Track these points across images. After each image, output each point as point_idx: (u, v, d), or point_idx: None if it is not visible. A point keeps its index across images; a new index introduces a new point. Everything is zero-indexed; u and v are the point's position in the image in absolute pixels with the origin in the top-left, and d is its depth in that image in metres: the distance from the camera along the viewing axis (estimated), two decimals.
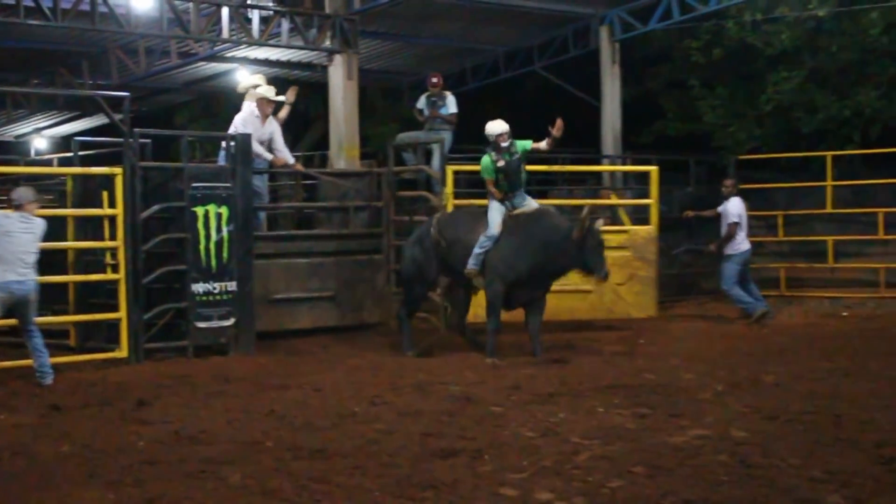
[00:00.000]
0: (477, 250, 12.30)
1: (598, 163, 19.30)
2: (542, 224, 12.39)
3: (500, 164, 12.40)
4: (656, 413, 8.58)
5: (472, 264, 12.33)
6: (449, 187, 14.61)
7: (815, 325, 15.03)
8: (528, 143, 12.63)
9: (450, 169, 14.85)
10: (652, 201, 16.04)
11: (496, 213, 12.40)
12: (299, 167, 14.94)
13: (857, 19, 18.07)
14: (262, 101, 14.26)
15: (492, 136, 12.52)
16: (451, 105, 16.90)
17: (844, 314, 16.33)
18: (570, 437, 7.70)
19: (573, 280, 13.90)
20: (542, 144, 12.66)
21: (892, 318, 15.54)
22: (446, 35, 20.79)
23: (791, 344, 12.97)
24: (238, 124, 14.09)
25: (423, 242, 12.99)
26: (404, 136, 17.06)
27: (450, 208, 14.24)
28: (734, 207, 15.73)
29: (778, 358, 11.66)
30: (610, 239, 14.33)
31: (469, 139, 17.66)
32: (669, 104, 21.88)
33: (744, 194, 16.27)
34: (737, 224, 15.62)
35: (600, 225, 12.28)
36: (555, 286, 12.93)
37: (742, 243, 15.73)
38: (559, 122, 12.57)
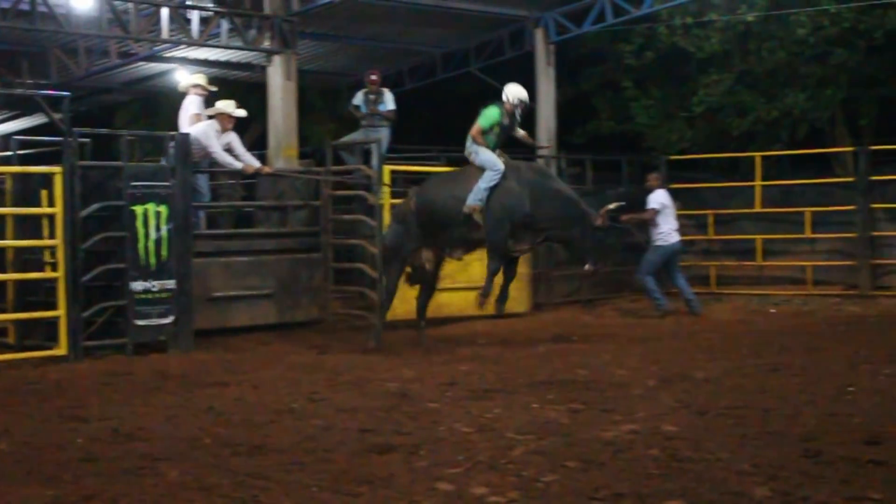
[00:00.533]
0: (482, 184, 12.36)
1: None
2: (553, 184, 12.74)
3: (506, 121, 12.54)
4: (589, 408, 8.60)
5: (474, 199, 12.36)
6: (386, 186, 14.62)
7: (745, 322, 15.17)
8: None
9: (387, 168, 14.84)
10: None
11: (489, 154, 12.48)
12: (268, 170, 14.75)
13: (786, 22, 18.25)
14: (223, 117, 14.02)
15: (510, 95, 12.66)
16: (389, 102, 16.89)
17: (773, 311, 16.51)
18: (505, 432, 7.70)
19: (472, 276, 14.17)
20: (521, 133, 13.12)
21: (819, 315, 15.75)
22: (384, 37, 20.77)
23: (721, 340, 13.08)
24: (200, 137, 13.76)
25: (400, 218, 13.06)
26: (346, 139, 17.03)
27: (387, 208, 14.25)
28: (657, 197, 15.88)
29: (708, 354, 11.73)
30: None
31: (406, 140, 17.67)
32: (603, 105, 22.03)
33: (675, 194, 16.42)
34: (657, 210, 15.76)
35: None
36: (461, 282, 13.05)
37: (670, 236, 15.86)
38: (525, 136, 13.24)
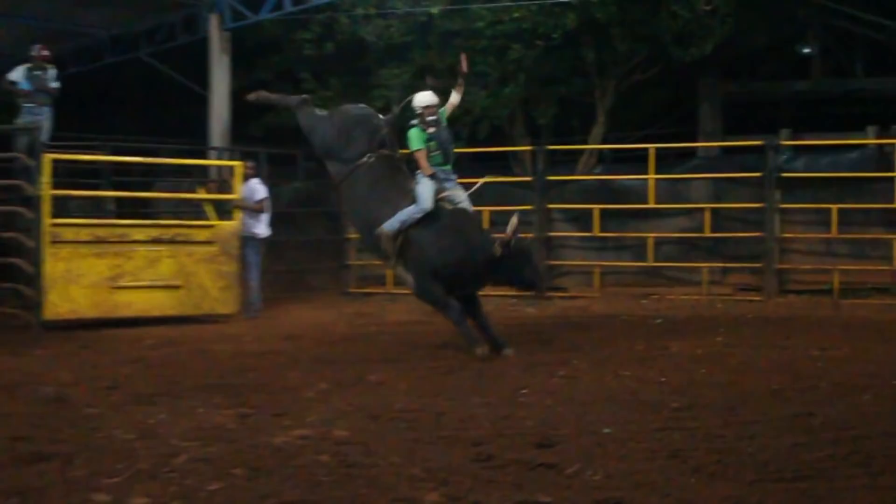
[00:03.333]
0: (401, 216, 11.79)
1: (205, 155, 19.12)
2: (469, 226, 12.04)
3: (432, 130, 11.95)
4: (259, 413, 8.58)
5: (388, 226, 11.81)
6: (46, 176, 14.14)
7: (422, 323, 15.42)
8: (444, 110, 12.29)
9: (48, 157, 14.36)
10: (235, 196, 16.16)
11: (427, 188, 11.88)
12: None
13: (467, 15, 18.65)
14: None
15: (419, 107, 12.04)
16: (52, 79, 16.37)
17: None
18: (169, 438, 7.59)
19: (162, 274, 13.98)
20: (454, 98, 12.33)
21: (495, 316, 16.14)
22: (46, 15, 20.03)
23: (395, 342, 13.28)
24: None
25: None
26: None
27: (47, 199, 13.78)
28: (259, 186, 16.20)
29: (382, 355, 11.88)
30: (197, 234, 14.58)
31: (69, 127, 17.15)
32: None
33: None
34: (266, 198, 15.99)
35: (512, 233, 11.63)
36: (145, 280, 12.80)
37: (262, 228, 16.08)
38: (464, 58, 12.50)
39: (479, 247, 11.78)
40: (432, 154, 12.00)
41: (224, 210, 16.32)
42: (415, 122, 12.12)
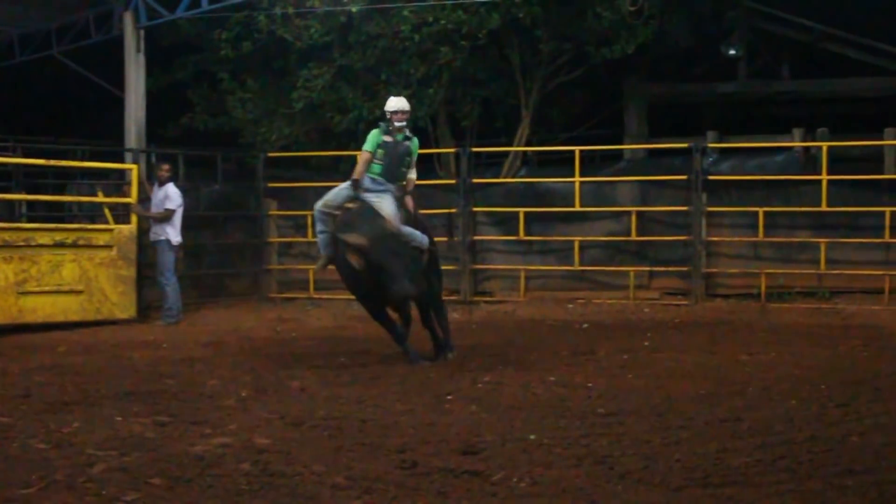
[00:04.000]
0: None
1: (121, 156, 18.95)
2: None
3: (387, 139, 11.73)
4: (177, 421, 8.54)
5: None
6: None
7: (343, 328, 15.43)
8: (416, 150, 12.09)
9: None
10: (132, 200, 16.19)
11: (338, 193, 11.87)
12: None
13: (389, 16, 18.66)
14: None
15: (389, 111, 11.84)
16: None
17: None
18: (85, 448, 7.53)
19: (65, 279, 13.97)
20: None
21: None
22: None
23: (317, 347, 13.28)
24: None
25: None
26: None
27: None
28: (175, 192, 16.11)
29: (304, 362, 11.87)
30: (97, 237, 14.56)
31: None
32: (198, 97, 21.77)
33: (274, 193, 16.51)
34: (173, 211, 15.95)
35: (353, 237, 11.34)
36: (49, 286, 12.77)
37: (178, 233, 16.07)
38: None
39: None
40: (376, 161, 11.74)
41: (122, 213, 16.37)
42: (383, 123, 11.97)
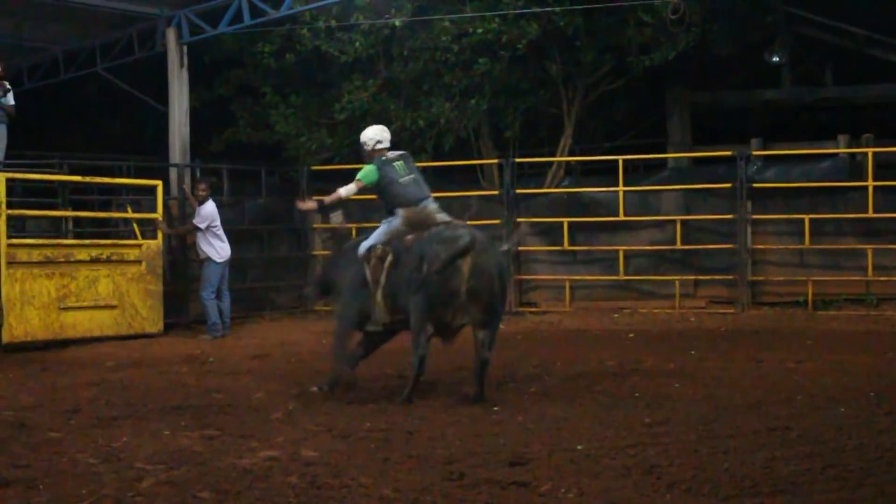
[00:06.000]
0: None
1: (166, 172, 19.07)
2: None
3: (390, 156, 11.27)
4: (225, 434, 8.57)
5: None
6: (1, 195, 14.14)
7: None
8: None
9: (2, 176, 14.36)
10: (157, 215, 16.38)
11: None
12: None
13: (431, 28, 18.69)
14: None
15: (375, 147, 11.47)
16: (10, 97, 16.30)
17: None
18: (134, 462, 7.57)
19: (101, 294, 14.08)
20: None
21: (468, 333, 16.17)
22: None
23: (363, 360, 13.25)
24: None
25: None
26: None
27: (3, 219, 13.76)
28: (206, 211, 16.16)
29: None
30: (128, 253, 14.79)
31: (27, 145, 17.05)
32: (241, 111, 21.87)
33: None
34: (197, 227, 16.02)
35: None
36: (87, 301, 12.84)
37: (224, 249, 16.09)
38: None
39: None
40: (401, 180, 11.09)
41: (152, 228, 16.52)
42: (381, 157, 11.31)
